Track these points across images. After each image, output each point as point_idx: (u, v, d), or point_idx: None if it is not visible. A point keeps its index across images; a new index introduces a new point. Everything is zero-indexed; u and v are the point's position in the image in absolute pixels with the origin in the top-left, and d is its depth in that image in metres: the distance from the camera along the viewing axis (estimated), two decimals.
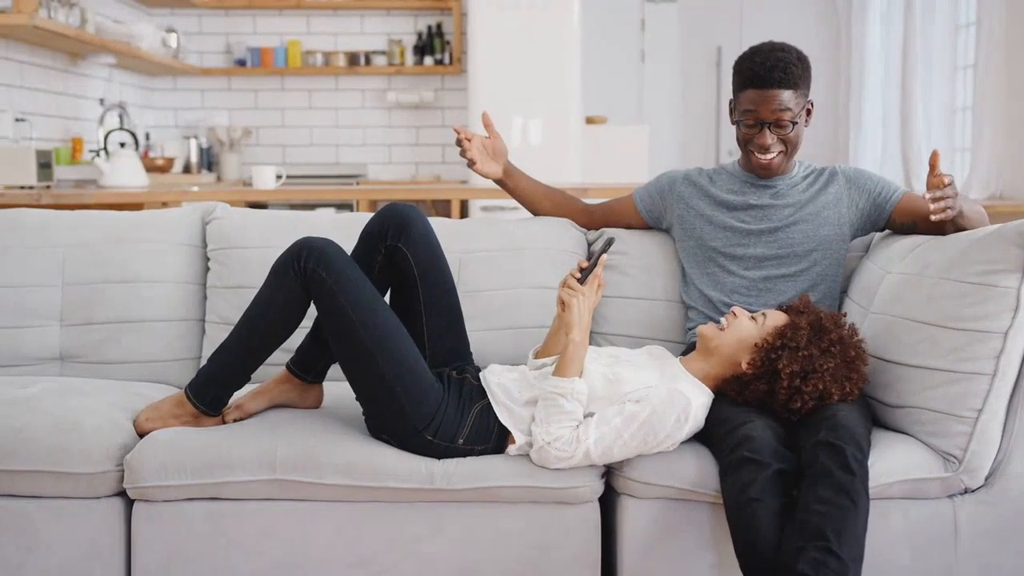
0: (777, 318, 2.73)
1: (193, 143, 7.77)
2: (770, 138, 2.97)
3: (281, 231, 3.24)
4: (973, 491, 2.66)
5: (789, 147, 3.01)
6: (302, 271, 2.64)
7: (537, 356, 2.90)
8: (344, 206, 7.26)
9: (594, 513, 2.70)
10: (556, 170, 6.93)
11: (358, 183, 7.26)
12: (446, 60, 8.03)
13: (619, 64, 8.65)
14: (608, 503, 2.76)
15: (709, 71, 9.01)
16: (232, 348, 2.75)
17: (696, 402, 2.65)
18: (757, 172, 3.08)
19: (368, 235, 2.85)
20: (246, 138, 8.05)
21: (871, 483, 2.56)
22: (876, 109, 7.60)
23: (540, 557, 2.69)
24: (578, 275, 2.70)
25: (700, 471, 2.63)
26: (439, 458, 2.67)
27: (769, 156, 3.01)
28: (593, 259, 2.72)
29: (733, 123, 3.04)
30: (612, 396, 2.65)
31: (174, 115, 8.15)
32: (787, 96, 2.94)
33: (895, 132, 7.21)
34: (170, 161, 6.95)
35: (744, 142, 3.03)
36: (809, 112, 3.05)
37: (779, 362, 2.63)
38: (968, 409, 2.61)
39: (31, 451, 2.65)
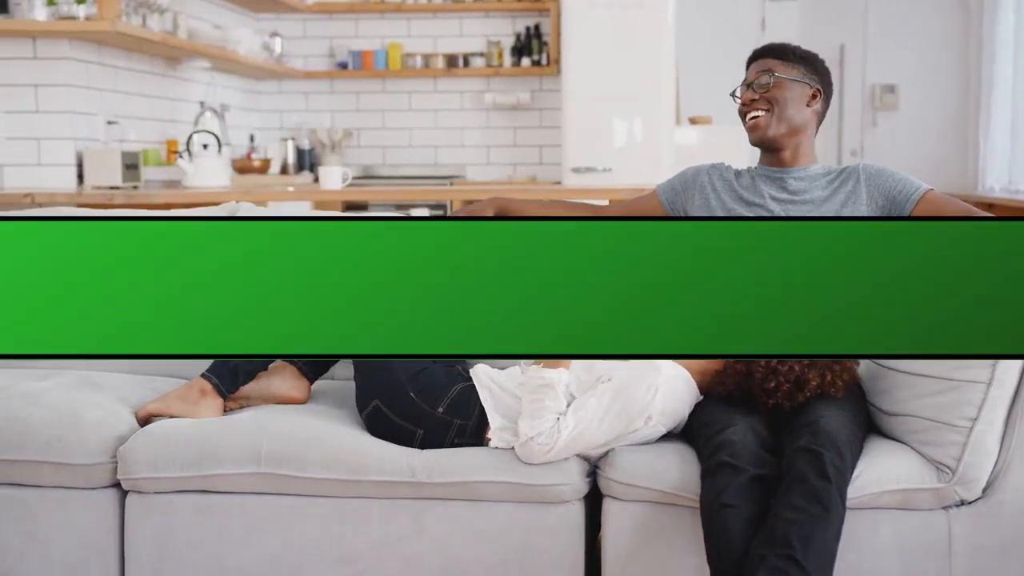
0: None
1: (290, 144, 7.93)
2: (751, 95, 2.92)
3: None
4: (969, 503, 2.55)
5: (776, 109, 2.90)
6: None
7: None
8: (438, 207, 7.32)
9: (577, 514, 2.68)
10: (651, 171, 6.87)
11: (452, 184, 7.31)
12: (543, 61, 8.02)
13: (739, 64, 8.51)
14: (596, 504, 2.73)
15: (831, 70, 8.78)
16: None
17: (667, 372, 2.64)
18: (750, 139, 2.99)
19: None
20: (347, 139, 8.18)
21: (860, 492, 2.50)
22: (1006, 109, 7.32)
23: (523, 556, 2.68)
24: None
25: (683, 475, 2.59)
26: (419, 428, 2.70)
27: (754, 114, 2.91)
28: None
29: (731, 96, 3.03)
30: (588, 384, 2.68)
31: (279, 117, 8.32)
32: (775, 62, 2.94)
33: None
34: (267, 163, 7.09)
35: (740, 116, 2.98)
36: (814, 96, 2.97)
37: None
38: (962, 418, 2.51)
39: (32, 442, 2.75)
